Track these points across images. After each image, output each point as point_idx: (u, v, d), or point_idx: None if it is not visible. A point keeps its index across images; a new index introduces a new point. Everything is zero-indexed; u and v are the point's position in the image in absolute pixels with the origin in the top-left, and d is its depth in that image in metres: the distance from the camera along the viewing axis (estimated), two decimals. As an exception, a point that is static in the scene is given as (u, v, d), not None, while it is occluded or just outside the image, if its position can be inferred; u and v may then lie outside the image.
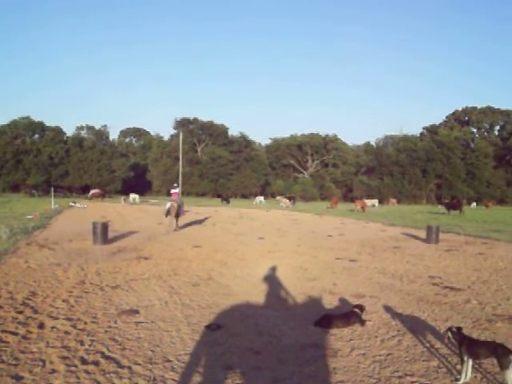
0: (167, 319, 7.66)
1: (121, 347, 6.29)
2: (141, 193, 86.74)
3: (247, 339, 6.76)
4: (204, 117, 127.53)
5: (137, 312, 8.01)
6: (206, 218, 32.96)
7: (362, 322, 7.52)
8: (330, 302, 9.13)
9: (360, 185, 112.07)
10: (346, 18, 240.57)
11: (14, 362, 5.66)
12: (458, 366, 5.61)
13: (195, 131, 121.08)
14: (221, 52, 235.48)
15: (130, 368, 5.59)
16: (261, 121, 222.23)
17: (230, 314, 8.14)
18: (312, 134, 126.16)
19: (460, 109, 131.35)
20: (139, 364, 5.71)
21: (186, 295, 9.45)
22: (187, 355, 6.08)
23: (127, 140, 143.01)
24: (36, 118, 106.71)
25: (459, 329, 5.62)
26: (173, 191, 24.96)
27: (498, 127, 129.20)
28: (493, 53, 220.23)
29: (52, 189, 53.10)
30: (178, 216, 23.69)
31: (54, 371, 5.44)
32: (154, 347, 6.33)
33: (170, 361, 5.85)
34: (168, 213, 23.31)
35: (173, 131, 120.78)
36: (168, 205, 23.43)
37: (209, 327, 7.27)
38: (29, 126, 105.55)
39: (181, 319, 7.70)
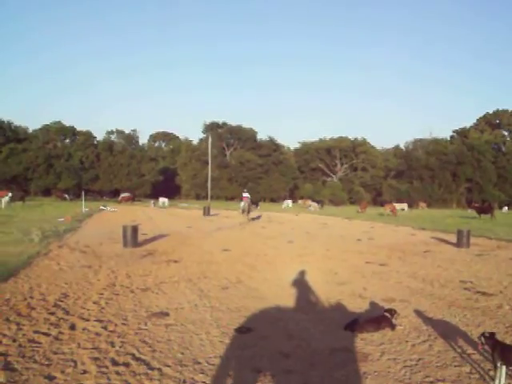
0: (197, 322, 7.69)
1: (151, 349, 6.33)
2: (170, 197, 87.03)
3: (277, 342, 6.75)
4: (233, 121, 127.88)
5: (167, 314, 8.06)
6: (234, 222, 33.03)
7: (393, 327, 7.46)
8: (359, 306, 9.07)
9: (389, 189, 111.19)
10: (372, 22, 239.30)
11: (46, 363, 5.75)
12: (491, 373, 5.53)
13: (224, 135, 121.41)
14: (249, 56, 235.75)
15: (160, 370, 5.63)
16: (289, 124, 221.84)
17: (259, 317, 8.14)
18: (341, 137, 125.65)
19: (491, 111, 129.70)
20: (169, 366, 5.75)
21: (215, 298, 9.48)
22: (217, 358, 6.10)
23: (156, 144, 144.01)
24: (67, 122, 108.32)
25: (492, 334, 5.54)
26: (244, 195, 34.47)
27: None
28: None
29: (83, 192, 53.69)
30: (248, 212, 33.44)
31: (85, 372, 5.50)
32: (183, 349, 6.36)
33: (200, 363, 5.88)
34: (243, 211, 33.12)
35: (202, 135, 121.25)
36: (242, 204, 33.59)
37: (238, 330, 7.27)
38: (60, 131, 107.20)
39: (210, 322, 7.72)
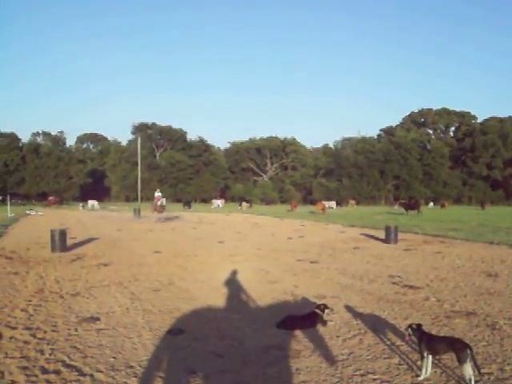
0: (128, 325, 7.60)
1: (82, 355, 6.21)
2: (99, 199, 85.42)
3: (210, 343, 6.75)
4: (162, 121, 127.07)
5: (98, 319, 7.93)
6: (165, 224, 32.77)
7: (324, 323, 7.58)
8: (291, 304, 9.18)
9: (319, 187, 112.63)
10: (294, 21, 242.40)
11: (-29, 375, 5.55)
12: (419, 363, 5.69)
13: (153, 136, 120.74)
14: (178, 57, 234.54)
15: (91, 376, 5.53)
16: (219, 124, 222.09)
17: (191, 318, 8.12)
18: (271, 137, 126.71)
19: (416, 110, 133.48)
20: (101, 371, 5.65)
21: (146, 301, 9.39)
22: (149, 361, 6.04)
23: (84, 146, 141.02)
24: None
25: (419, 326, 5.71)
26: (156, 195, 42.45)
27: (453, 128, 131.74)
28: (448, 53, 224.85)
29: (8, 196, 52.04)
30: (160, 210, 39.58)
31: (13, 382, 5.34)
32: (115, 354, 6.27)
33: (132, 367, 5.81)
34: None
35: (131, 136, 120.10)
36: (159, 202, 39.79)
37: (171, 332, 7.23)
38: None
39: (142, 325, 7.64)
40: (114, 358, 6.13)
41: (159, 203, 40.94)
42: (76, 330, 7.34)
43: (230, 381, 5.42)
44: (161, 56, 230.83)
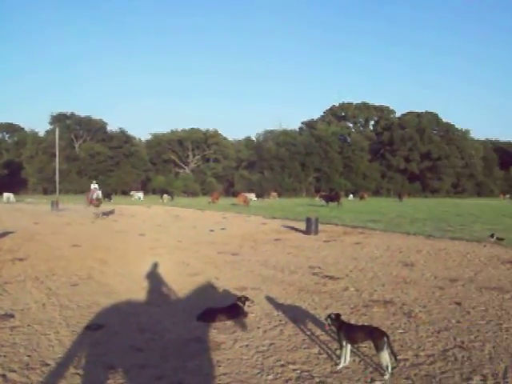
0: (45, 322, 7.35)
1: (-6, 354, 5.97)
2: (15, 191, 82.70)
3: (129, 337, 6.62)
4: (81, 112, 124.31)
5: (12, 316, 7.63)
6: (84, 216, 32.07)
7: (245, 314, 7.58)
8: (212, 296, 9.15)
9: (241, 179, 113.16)
10: (219, 10, 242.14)
11: None
12: (338, 352, 5.77)
13: (72, 126, 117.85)
14: (95, 45, 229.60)
15: (4, 376, 5.28)
16: (141, 115, 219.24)
17: (111, 312, 7.96)
18: (193, 129, 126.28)
19: (337, 104, 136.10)
20: (14, 371, 5.42)
21: (64, 296, 9.12)
22: (67, 358, 5.86)
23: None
24: None
25: (338, 315, 5.78)
26: (92, 187, 37.15)
27: (372, 122, 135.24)
28: (369, 49, 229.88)
29: None
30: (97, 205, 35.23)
31: None
32: (30, 352, 6.04)
33: (48, 365, 5.61)
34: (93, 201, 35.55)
35: (49, 127, 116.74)
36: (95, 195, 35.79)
37: (89, 327, 7.05)
38: None
39: (59, 321, 7.42)
40: (28, 356, 5.91)
41: (95, 196, 36.43)
42: (-12, 328, 7.06)
43: (149, 375, 5.33)
44: (81, 45, 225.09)
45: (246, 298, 7.72)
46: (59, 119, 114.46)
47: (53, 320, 7.48)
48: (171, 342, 6.47)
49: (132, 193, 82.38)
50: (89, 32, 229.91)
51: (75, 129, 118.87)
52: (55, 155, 60.11)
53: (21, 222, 27.53)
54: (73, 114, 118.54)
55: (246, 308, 7.65)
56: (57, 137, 56.06)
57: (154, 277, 11.05)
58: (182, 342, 6.42)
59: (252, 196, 68.03)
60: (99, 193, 37.25)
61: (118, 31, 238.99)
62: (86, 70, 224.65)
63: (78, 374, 5.38)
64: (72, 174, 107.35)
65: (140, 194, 79.32)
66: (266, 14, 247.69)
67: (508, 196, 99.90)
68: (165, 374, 5.37)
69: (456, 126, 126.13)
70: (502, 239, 16.53)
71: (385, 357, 5.13)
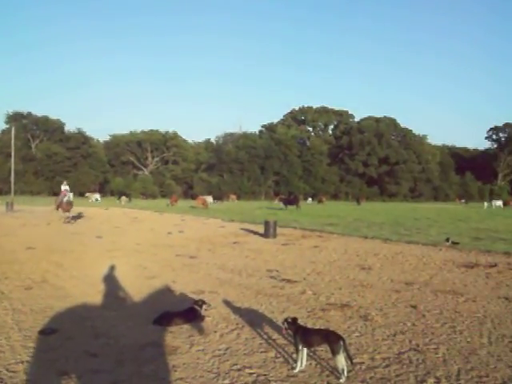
0: (-4, 326, 7.18)
1: None
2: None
3: (83, 342, 6.51)
4: (38, 111, 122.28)
5: (-39, 320, 7.44)
6: (40, 218, 31.54)
7: (202, 318, 7.54)
8: (169, 300, 9.09)
9: (200, 182, 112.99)
10: (176, 9, 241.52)
11: None
12: (294, 355, 5.77)
13: (29, 126, 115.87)
14: (51, 43, 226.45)
15: (-49, 383, 5.16)
16: (99, 116, 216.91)
17: (65, 317, 7.82)
18: (152, 130, 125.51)
19: (297, 108, 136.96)
20: (-38, 378, 5.28)
21: (17, 300, 8.93)
22: (18, 364, 5.72)
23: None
24: None
25: (294, 319, 5.78)
26: (63, 188, 31.12)
27: (331, 126, 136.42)
28: (329, 52, 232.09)
29: None
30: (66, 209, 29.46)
31: None
32: (-20, 358, 5.89)
33: (-1, 371, 5.48)
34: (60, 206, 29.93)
35: (4, 126, 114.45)
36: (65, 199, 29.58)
37: (42, 332, 6.91)
38: None
39: (11, 326, 7.24)
40: (-23, 362, 5.76)
41: (65, 199, 30.07)
42: None
43: (104, 381, 5.25)
44: (40, 46, 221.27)
45: (203, 302, 7.67)
46: (15, 118, 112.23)
47: (4, 325, 7.30)
48: (127, 346, 6.38)
49: (87, 194, 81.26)
50: (47, 33, 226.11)
51: (32, 129, 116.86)
52: (11, 155, 58.92)
53: (-27, 223, 26.91)
54: (29, 114, 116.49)
55: (203, 312, 7.60)
56: (12, 136, 54.95)
57: (110, 280, 10.91)
58: (138, 347, 6.34)
59: (209, 198, 67.78)
60: (71, 195, 31.65)
61: (75, 30, 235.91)
62: (45, 68, 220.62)
63: (30, 381, 5.26)
64: (28, 174, 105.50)
65: (97, 196, 78.32)
66: (228, 13, 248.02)
67: (463, 200, 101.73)
68: (120, 379, 5.30)
69: (413, 132, 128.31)
70: (457, 243, 16.84)
71: (341, 360, 5.15)
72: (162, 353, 6.17)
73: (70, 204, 29.95)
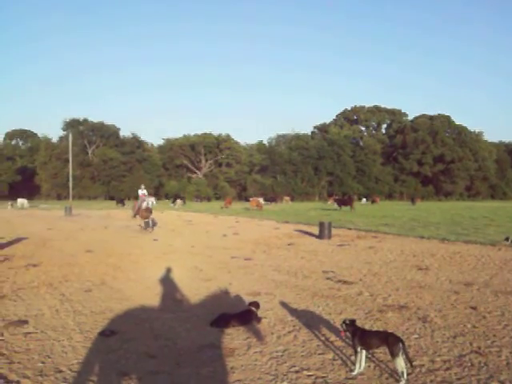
0: (58, 328, 7.34)
1: (8, 361, 5.94)
2: (29, 197, 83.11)
3: (142, 344, 6.59)
4: (94, 117, 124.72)
5: (25, 322, 7.63)
6: (97, 222, 32.16)
7: (258, 320, 7.54)
8: (225, 302, 9.11)
9: (254, 183, 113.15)
10: (221, 15, 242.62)
11: None
12: (353, 357, 5.71)
13: (85, 132, 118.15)
14: (110, 54, 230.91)
15: (18, 383, 5.29)
16: (153, 121, 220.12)
17: (124, 319, 7.93)
18: (205, 133, 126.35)
19: (349, 108, 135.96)
20: (28, 377, 5.41)
21: (77, 302, 9.12)
22: (80, 364, 5.85)
23: (13, 143, 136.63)
24: None
25: (353, 321, 5.73)
26: (140, 193, 29.39)
27: (384, 125, 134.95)
28: (379, 54, 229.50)
29: None
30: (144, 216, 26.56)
31: None
32: (44, 358, 6.03)
33: (62, 371, 5.60)
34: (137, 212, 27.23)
35: (62, 133, 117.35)
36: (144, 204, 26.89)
37: (102, 334, 7.03)
38: None
39: (73, 327, 7.40)
40: (42, 362, 5.90)
41: (144, 205, 26.84)
42: (2, 334, 7.03)
43: (163, 382, 5.31)
44: (94, 52, 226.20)
45: (258, 305, 7.68)
46: (72, 125, 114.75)
47: (66, 326, 7.47)
48: (185, 348, 6.43)
49: (148, 199, 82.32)
50: (100, 40, 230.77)
51: (88, 135, 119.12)
52: (68, 161, 60.28)
53: (34, 227, 27.62)
54: (85, 120, 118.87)
55: (259, 313, 7.61)
56: (70, 143, 56.25)
57: (167, 282, 11.03)
58: (196, 349, 6.39)
59: (261, 200, 67.84)
60: (151, 201, 28.21)
61: (127, 38, 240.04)
62: (100, 78, 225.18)
63: (92, 380, 5.37)
64: (85, 179, 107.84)
65: (153, 199, 79.38)
66: (277, 21, 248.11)
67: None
68: (178, 380, 5.34)
69: (469, 129, 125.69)
70: (517, 242, 16.43)
71: (400, 363, 5.07)
72: (219, 354, 6.19)
73: (148, 211, 26.69)
